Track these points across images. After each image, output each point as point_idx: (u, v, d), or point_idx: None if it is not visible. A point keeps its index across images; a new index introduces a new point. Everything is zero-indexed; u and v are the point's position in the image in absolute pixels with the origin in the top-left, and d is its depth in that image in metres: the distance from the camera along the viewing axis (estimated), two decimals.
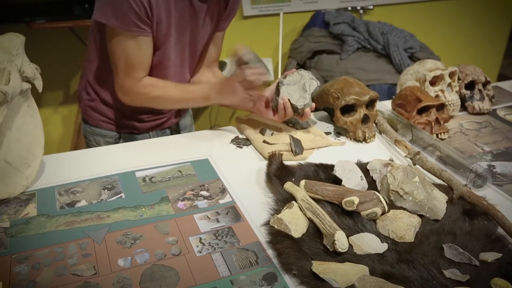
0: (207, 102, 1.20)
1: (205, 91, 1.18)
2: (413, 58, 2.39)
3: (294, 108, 1.15)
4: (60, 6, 1.97)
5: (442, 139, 1.21)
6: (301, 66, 2.55)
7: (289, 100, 1.15)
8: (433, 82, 1.33)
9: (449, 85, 1.33)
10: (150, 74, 1.21)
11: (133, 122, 1.33)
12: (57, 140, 2.44)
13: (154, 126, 1.36)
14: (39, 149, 0.99)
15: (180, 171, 1.05)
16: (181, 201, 0.94)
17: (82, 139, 2.34)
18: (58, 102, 2.35)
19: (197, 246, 0.81)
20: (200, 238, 0.83)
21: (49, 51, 2.10)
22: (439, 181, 1.00)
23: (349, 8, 2.76)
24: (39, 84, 1.00)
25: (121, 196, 0.95)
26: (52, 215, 0.89)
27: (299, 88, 1.16)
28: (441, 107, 1.25)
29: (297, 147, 1.11)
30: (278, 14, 2.64)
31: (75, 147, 2.35)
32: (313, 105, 1.19)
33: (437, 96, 1.31)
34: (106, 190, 0.97)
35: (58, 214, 0.89)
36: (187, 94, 1.20)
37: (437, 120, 1.22)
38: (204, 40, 1.29)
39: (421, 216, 0.88)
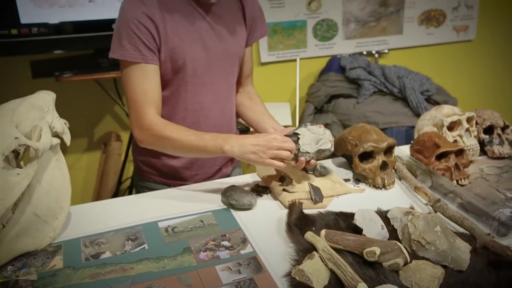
0: (221, 154, 1.12)
1: (219, 143, 1.10)
2: (430, 101, 2.40)
3: (296, 150, 1.15)
4: (87, 59, 2.08)
5: (463, 185, 1.20)
6: (319, 110, 2.59)
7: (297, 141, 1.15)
8: (450, 128, 1.34)
9: (467, 130, 1.33)
10: (186, 99, 1.25)
11: (184, 175, 1.34)
12: (80, 186, 2.49)
13: (205, 178, 1.36)
14: (66, 201, 1.02)
15: (201, 221, 1.07)
16: (203, 251, 0.95)
17: (104, 185, 2.40)
18: (82, 150, 2.43)
19: None
20: None
21: (75, 102, 2.20)
22: (461, 230, 0.99)
23: (364, 53, 2.82)
24: (67, 139, 1.05)
25: (144, 247, 0.97)
26: (78, 267, 0.90)
27: (313, 139, 1.16)
28: (460, 152, 1.25)
29: (316, 196, 1.12)
30: (294, 60, 2.71)
31: (98, 193, 2.40)
32: (313, 162, 1.17)
33: (455, 141, 1.32)
34: (129, 241, 0.99)
35: (83, 266, 0.91)
36: (201, 141, 1.13)
37: (456, 166, 1.22)
38: (235, 55, 1.31)
39: (444, 266, 0.87)
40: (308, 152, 1.14)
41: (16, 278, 0.87)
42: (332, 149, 1.17)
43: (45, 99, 1.01)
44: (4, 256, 0.89)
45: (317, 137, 1.17)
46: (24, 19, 1.83)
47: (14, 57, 2.02)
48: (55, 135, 1.01)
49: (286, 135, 1.18)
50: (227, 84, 1.33)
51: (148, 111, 1.16)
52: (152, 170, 1.35)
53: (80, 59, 2.08)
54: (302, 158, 1.14)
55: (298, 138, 1.15)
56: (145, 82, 1.17)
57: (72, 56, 2.06)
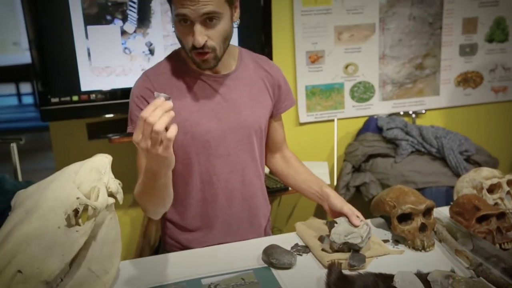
0: (153, 176, 1.06)
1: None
2: (470, 161, 2.39)
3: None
4: None
5: (506, 249, 1.19)
6: (356, 169, 2.62)
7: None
8: (491, 190, 1.34)
9: (508, 192, 1.33)
10: (200, 172, 1.28)
11: (217, 232, 1.36)
12: (125, 240, 2.57)
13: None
14: (117, 257, 1.09)
15: (243, 279, 1.10)
16: None
17: (147, 240, 2.46)
18: (128, 204, 2.53)
19: None
20: None
21: (125, 161, 2.33)
22: None
23: (401, 113, 2.86)
24: (120, 198, 1.13)
25: None
26: None
27: (346, 231, 1.17)
28: (501, 215, 1.24)
29: (354, 260, 1.12)
30: (332, 120, 2.78)
31: (142, 247, 2.46)
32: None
33: (496, 204, 1.31)
34: None
35: None
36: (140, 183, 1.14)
37: (498, 229, 1.22)
38: (254, 125, 1.31)
39: None
40: (335, 242, 1.16)
41: None
42: (362, 245, 1.15)
43: (103, 161, 1.10)
44: None
45: (350, 230, 1.18)
46: (84, 86, 2.02)
47: (73, 120, 2.20)
48: (110, 194, 1.10)
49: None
50: (246, 154, 1.32)
51: None
52: (177, 243, 1.38)
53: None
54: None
55: (333, 226, 1.19)
56: None
57: (122, 119, 2.22)
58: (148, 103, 1.19)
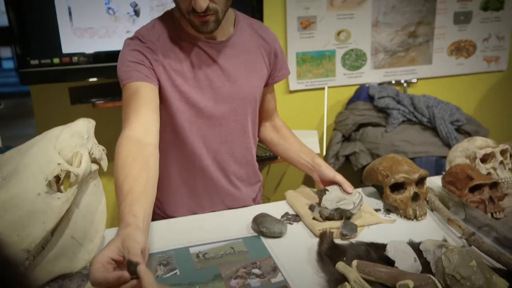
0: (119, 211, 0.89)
1: (123, 211, 0.86)
2: (461, 131, 2.38)
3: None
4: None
5: (498, 219, 1.18)
6: (346, 138, 2.59)
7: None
8: (484, 160, 1.33)
9: (501, 162, 1.31)
10: (192, 143, 1.22)
11: (205, 202, 1.33)
12: (112, 207, 2.53)
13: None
14: (101, 225, 1.05)
15: (232, 248, 1.07)
16: (234, 279, 0.96)
17: None
18: (113, 172, 2.48)
19: None
20: None
21: (110, 128, 2.26)
22: (498, 265, 0.97)
23: (393, 82, 2.82)
24: (104, 165, 1.08)
25: (176, 273, 0.98)
26: None
27: (337, 197, 1.16)
28: (494, 185, 1.23)
29: (346, 229, 1.10)
30: (323, 88, 2.73)
31: None
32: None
33: (489, 173, 1.30)
34: (161, 266, 1.01)
35: None
36: (118, 187, 0.93)
37: (491, 199, 1.20)
38: (249, 95, 1.27)
39: None
40: (327, 208, 1.14)
41: None
42: (354, 211, 1.14)
43: (86, 126, 1.05)
44: (42, 277, 0.92)
45: (342, 197, 1.16)
46: (66, 48, 1.93)
47: (54, 84, 2.11)
48: (94, 161, 1.05)
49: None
50: (239, 125, 1.28)
51: (126, 125, 1.07)
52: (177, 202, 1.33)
53: (114, 86, 2.16)
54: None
55: (325, 194, 1.17)
56: (133, 98, 1.10)
57: (107, 84, 2.14)
58: (145, 56, 1.14)
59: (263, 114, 1.42)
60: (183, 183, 1.31)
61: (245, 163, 1.35)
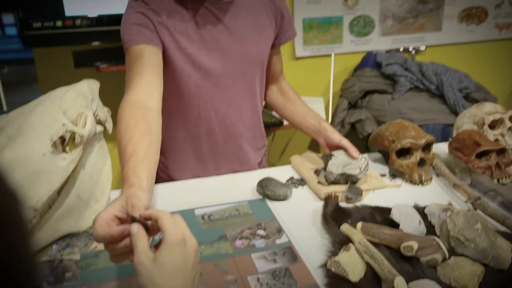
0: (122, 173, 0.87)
1: (126, 173, 0.84)
2: (469, 98, 2.35)
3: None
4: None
5: (504, 184, 1.17)
6: (353, 105, 2.57)
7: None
8: (492, 126, 1.31)
9: (510, 129, 1.30)
10: (198, 105, 1.21)
11: (211, 166, 1.32)
12: (118, 172, 2.56)
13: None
14: (107, 186, 1.06)
15: (237, 210, 1.08)
16: (239, 239, 0.97)
17: None
18: None
19: (256, 286, 0.83)
20: (258, 278, 0.85)
21: (115, 92, 2.25)
22: (502, 228, 0.97)
23: (401, 49, 2.77)
24: (109, 126, 1.08)
25: None
26: None
27: (343, 162, 1.15)
28: (501, 151, 1.22)
29: (351, 193, 1.10)
30: (329, 55, 2.69)
31: None
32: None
33: (496, 140, 1.28)
34: None
35: None
36: (121, 150, 0.91)
37: (497, 165, 1.19)
38: (256, 56, 1.25)
39: (484, 265, 0.86)
40: (332, 173, 1.14)
41: (60, 257, 0.91)
42: (360, 176, 1.13)
43: (91, 87, 1.04)
44: (49, 236, 0.93)
45: (348, 162, 1.15)
46: (69, 11, 1.89)
47: (58, 48, 2.09)
48: (99, 122, 1.04)
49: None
50: (246, 88, 1.27)
51: (129, 89, 1.05)
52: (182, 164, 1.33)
53: (119, 50, 2.13)
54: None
55: (330, 158, 1.16)
56: (136, 62, 1.08)
57: (111, 48, 2.11)
58: (148, 19, 1.11)
59: (270, 77, 1.40)
60: (189, 147, 1.30)
61: (253, 126, 1.34)
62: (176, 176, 1.33)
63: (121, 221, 0.72)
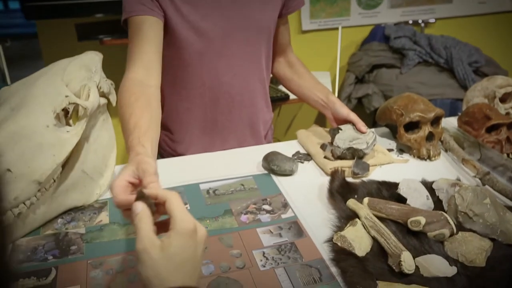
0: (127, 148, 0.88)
1: (131, 143, 0.85)
2: (478, 73, 2.30)
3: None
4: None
5: None
6: (360, 80, 2.53)
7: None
8: (503, 99, 1.28)
9: None
10: (202, 74, 1.19)
11: (216, 139, 1.32)
12: (124, 147, 2.55)
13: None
14: (112, 160, 1.05)
15: (242, 185, 1.07)
16: (244, 214, 0.96)
17: None
18: None
19: (261, 260, 0.83)
20: (264, 252, 0.85)
21: (119, 65, 2.22)
22: (511, 204, 0.96)
23: (410, 22, 2.71)
24: (113, 99, 1.06)
25: (186, 207, 0.98)
26: (123, 223, 0.93)
27: (350, 136, 1.13)
28: None
29: (358, 168, 1.09)
30: (336, 28, 2.64)
31: None
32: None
33: (507, 114, 1.26)
34: None
35: (128, 222, 0.93)
36: (124, 124, 0.92)
37: (508, 139, 1.17)
38: (263, 25, 1.22)
39: (492, 240, 0.85)
40: (339, 147, 1.12)
41: (66, 231, 0.91)
42: (367, 151, 1.11)
43: (93, 59, 1.02)
44: (55, 209, 0.93)
45: (355, 136, 1.13)
46: None
47: (61, 21, 2.05)
48: (102, 95, 1.03)
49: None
50: (252, 58, 1.24)
51: (130, 67, 1.07)
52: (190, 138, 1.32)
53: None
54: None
55: (338, 132, 1.15)
56: (138, 36, 1.08)
57: (114, 20, 2.08)
58: None
59: (277, 49, 1.37)
60: (193, 118, 1.29)
61: (259, 97, 1.32)
62: (182, 150, 1.32)
63: (134, 186, 0.72)
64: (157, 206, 0.63)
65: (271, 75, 1.40)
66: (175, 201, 0.60)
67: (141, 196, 0.63)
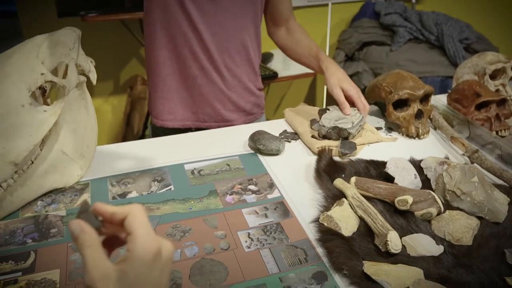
0: None
1: None
2: (469, 50, 2.28)
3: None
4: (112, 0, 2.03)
5: (503, 137, 1.14)
6: (349, 58, 2.50)
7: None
8: (493, 76, 1.26)
9: (511, 78, 1.25)
10: (181, 24, 1.18)
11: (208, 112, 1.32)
12: (107, 128, 2.51)
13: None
14: (92, 141, 1.02)
15: (228, 165, 1.05)
16: (230, 195, 0.94)
17: (130, 129, 2.41)
18: (108, 93, 2.43)
19: (246, 241, 0.81)
20: (249, 233, 0.83)
21: (101, 44, 2.16)
22: (499, 181, 0.95)
23: None
24: (93, 77, 1.02)
25: (170, 188, 0.96)
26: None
27: (336, 116, 1.12)
28: (502, 102, 1.18)
29: (345, 148, 1.07)
30: (326, 5, 2.59)
31: (124, 136, 2.42)
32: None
33: (497, 90, 1.24)
34: (156, 182, 0.99)
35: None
36: None
37: (497, 116, 1.16)
38: None
39: (480, 218, 0.84)
40: (324, 126, 1.10)
41: (46, 213, 0.88)
42: (352, 131, 1.09)
43: (71, 35, 0.97)
44: (34, 191, 0.90)
45: (341, 116, 1.12)
46: None
47: None
48: (81, 73, 0.99)
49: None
50: (236, 16, 1.22)
51: None
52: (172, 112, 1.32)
53: None
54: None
55: (325, 112, 1.13)
56: None
57: None
58: None
59: (278, 18, 1.36)
60: (174, 69, 1.27)
61: (244, 60, 1.30)
62: (161, 115, 1.32)
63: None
64: (105, 224, 0.49)
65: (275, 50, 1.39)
66: (139, 216, 0.47)
67: (83, 211, 0.48)
